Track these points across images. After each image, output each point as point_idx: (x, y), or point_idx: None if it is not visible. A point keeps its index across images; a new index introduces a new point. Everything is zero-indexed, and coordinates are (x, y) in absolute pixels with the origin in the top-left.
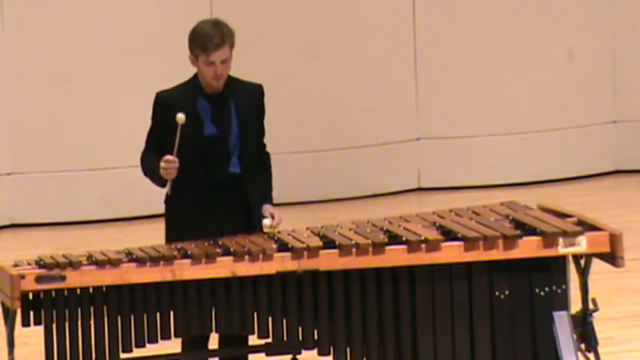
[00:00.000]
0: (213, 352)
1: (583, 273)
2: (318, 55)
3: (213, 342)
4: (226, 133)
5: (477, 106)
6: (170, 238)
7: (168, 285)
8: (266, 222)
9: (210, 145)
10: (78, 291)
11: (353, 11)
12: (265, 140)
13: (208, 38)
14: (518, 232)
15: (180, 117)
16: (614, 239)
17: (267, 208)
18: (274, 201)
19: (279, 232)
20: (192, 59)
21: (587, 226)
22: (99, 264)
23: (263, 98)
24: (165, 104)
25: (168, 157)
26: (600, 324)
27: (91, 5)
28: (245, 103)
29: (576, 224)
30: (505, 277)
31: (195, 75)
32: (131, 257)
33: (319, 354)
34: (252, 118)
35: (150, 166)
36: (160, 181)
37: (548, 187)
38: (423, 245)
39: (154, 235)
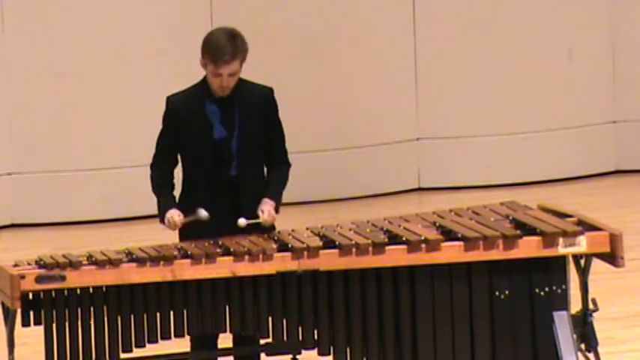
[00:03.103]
0: (222, 352)
1: (583, 273)
2: (318, 55)
3: (226, 340)
4: (233, 136)
5: (476, 106)
6: (183, 236)
7: (168, 285)
8: (241, 221)
9: (220, 147)
10: (78, 291)
11: (353, 12)
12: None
13: (220, 52)
14: (518, 232)
15: (204, 215)
16: (614, 239)
17: (265, 202)
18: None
19: (279, 232)
20: (202, 63)
21: (587, 226)
22: (99, 264)
23: (272, 102)
24: (174, 108)
25: (176, 220)
26: (600, 324)
27: (90, 5)
28: (249, 106)
29: (576, 224)
30: (505, 277)
31: (205, 78)
32: (131, 257)
33: (319, 354)
34: (254, 122)
35: (158, 195)
36: (161, 220)
37: (548, 187)
38: (423, 245)
39: (154, 235)
